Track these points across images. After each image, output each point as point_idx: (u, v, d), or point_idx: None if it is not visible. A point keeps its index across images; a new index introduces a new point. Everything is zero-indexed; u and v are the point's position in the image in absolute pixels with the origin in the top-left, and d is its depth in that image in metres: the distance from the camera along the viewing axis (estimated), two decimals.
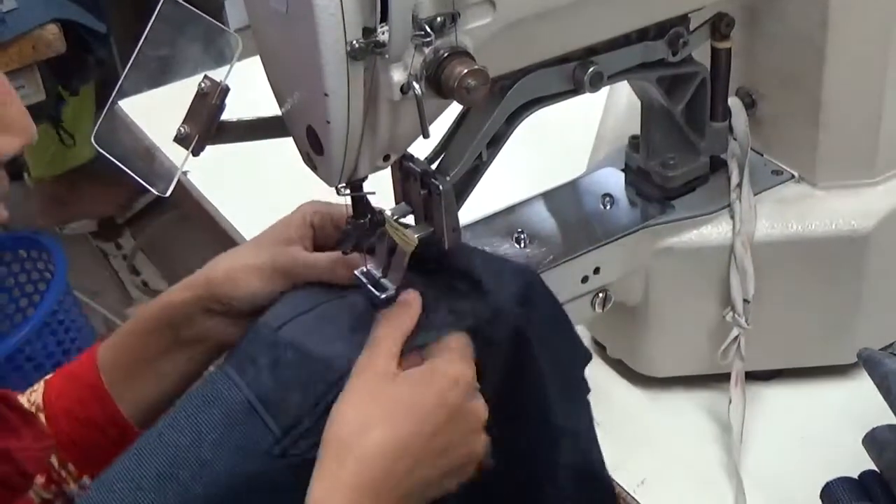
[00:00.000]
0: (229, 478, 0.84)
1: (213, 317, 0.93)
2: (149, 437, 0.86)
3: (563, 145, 1.24)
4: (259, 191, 1.45)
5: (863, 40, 0.99)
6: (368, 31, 0.79)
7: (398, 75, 0.81)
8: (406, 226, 0.93)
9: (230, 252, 0.96)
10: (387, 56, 0.79)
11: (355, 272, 0.94)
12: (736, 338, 1.01)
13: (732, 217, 1.01)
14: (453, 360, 0.83)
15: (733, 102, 1.05)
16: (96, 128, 0.94)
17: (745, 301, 1.01)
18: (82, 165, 3.01)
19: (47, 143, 2.86)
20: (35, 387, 0.95)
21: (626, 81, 1.02)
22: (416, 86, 0.81)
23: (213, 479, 0.84)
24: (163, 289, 2.95)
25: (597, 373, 1.14)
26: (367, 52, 0.79)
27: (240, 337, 0.91)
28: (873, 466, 0.90)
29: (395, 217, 0.94)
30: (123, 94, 0.93)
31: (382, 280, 0.94)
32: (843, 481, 0.90)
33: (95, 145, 0.94)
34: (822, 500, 0.90)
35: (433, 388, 0.81)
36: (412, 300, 0.88)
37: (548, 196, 1.07)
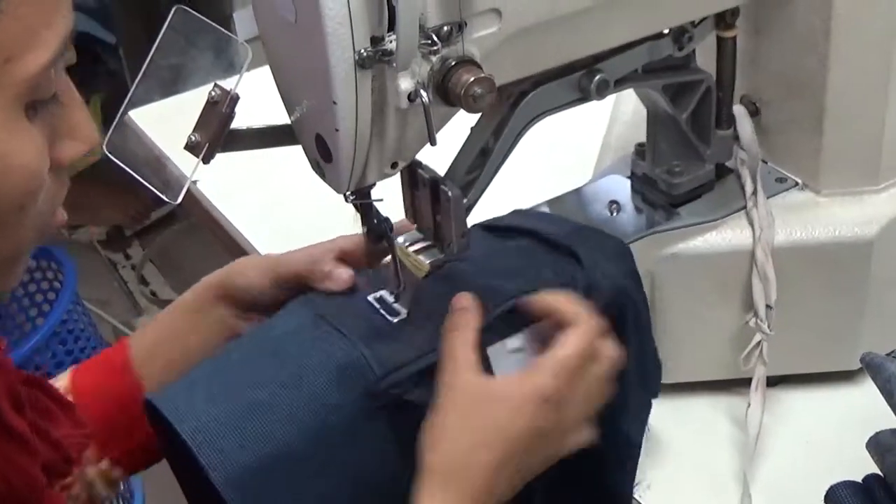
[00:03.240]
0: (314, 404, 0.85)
1: (227, 306, 0.98)
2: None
3: (568, 153, 1.25)
4: (268, 199, 1.46)
5: (866, 48, 0.99)
6: (376, 40, 0.80)
7: (405, 84, 0.82)
8: (418, 252, 0.93)
9: (247, 268, 1.01)
10: (394, 65, 0.80)
11: (368, 298, 0.95)
12: (759, 343, 1.02)
13: (751, 224, 1.02)
14: (541, 374, 0.82)
15: (737, 110, 1.06)
16: (108, 137, 0.95)
17: (768, 307, 1.01)
18: (92, 171, 3.02)
19: None
20: (59, 376, 0.98)
21: (631, 90, 1.03)
22: (424, 94, 0.82)
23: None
24: (171, 299, 2.97)
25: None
26: (375, 60, 0.80)
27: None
28: (877, 470, 0.91)
29: (406, 244, 0.94)
30: (134, 103, 0.94)
31: (395, 305, 0.94)
32: (847, 485, 0.90)
33: (108, 154, 0.95)
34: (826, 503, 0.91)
35: (524, 411, 0.81)
36: (467, 301, 0.87)
37: (555, 203, 1.08)
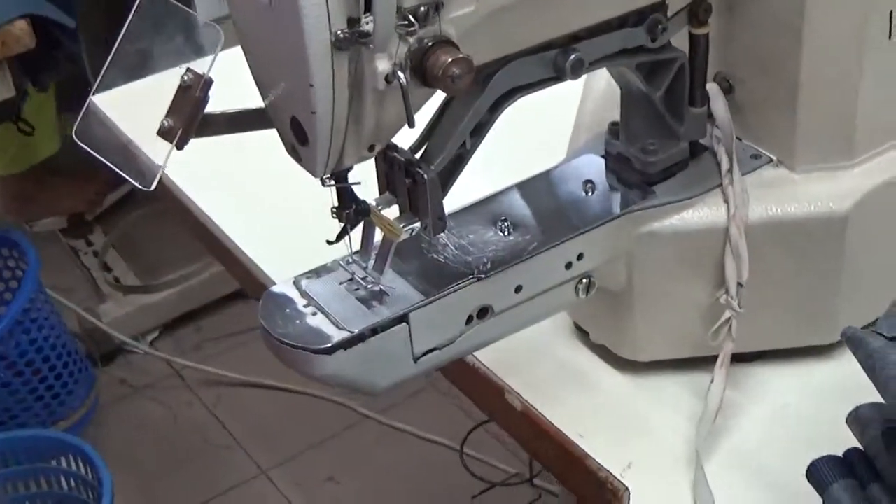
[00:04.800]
0: None
1: None
2: None
3: (539, 133, 1.24)
4: (237, 182, 1.45)
5: (839, 24, 1.00)
6: (353, 22, 0.79)
7: (383, 65, 0.81)
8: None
9: None
10: (371, 46, 0.80)
11: (340, 263, 0.95)
12: (728, 320, 1.02)
13: (727, 201, 1.02)
14: None
15: (711, 88, 1.06)
16: (77, 124, 0.94)
17: (739, 284, 1.01)
18: (48, 161, 3.00)
19: (9, 139, 2.85)
20: None
21: (604, 69, 1.03)
22: (402, 75, 0.81)
23: None
24: (135, 284, 2.96)
25: (580, 358, 1.15)
26: (352, 42, 0.79)
27: None
28: (854, 443, 0.91)
29: (380, 207, 0.94)
30: (104, 87, 0.93)
31: (370, 272, 0.94)
32: (828, 459, 0.91)
33: (78, 142, 0.94)
34: (808, 479, 0.91)
35: None
36: None
37: (529, 183, 1.08)
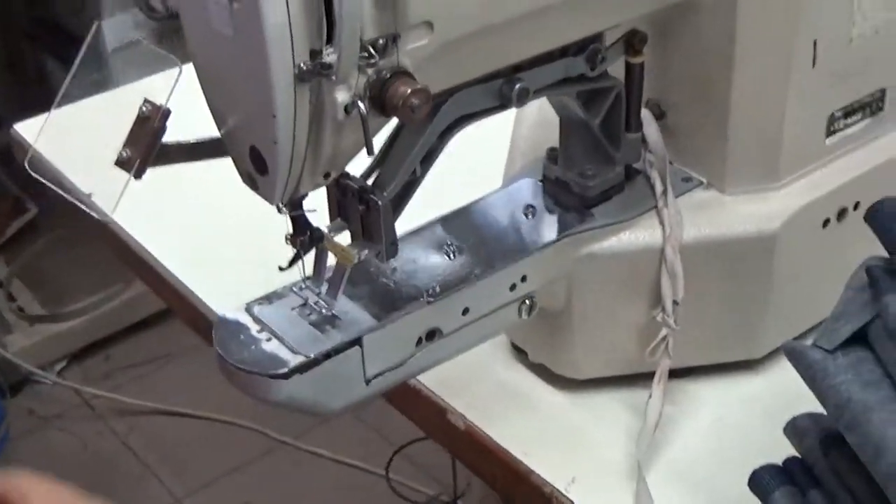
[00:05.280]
0: None
1: None
2: None
3: (471, 160, 1.27)
4: (164, 206, 1.45)
5: (768, 52, 1.04)
6: (315, 54, 0.81)
7: (342, 96, 0.84)
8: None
9: None
10: (333, 77, 0.82)
11: (293, 288, 0.97)
12: (665, 337, 1.06)
13: (662, 223, 1.06)
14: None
15: (644, 114, 1.10)
16: (29, 155, 0.95)
17: (675, 302, 1.05)
18: None
19: None
20: None
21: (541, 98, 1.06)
22: (361, 105, 0.84)
23: None
24: (40, 314, 2.92)
25: (519, 378, 1.19)
26: (315, 73, 0.81)
27: None
28: (787, 453, 0.95)
29: (332, 234, 0.96)
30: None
31: (323, 298, 0.96)
32: (769, 468, 0.94)
33: (30, 172, 0.94)
34: (750, 487, 0.95)
35: None
36: None
37: (471, 208, 1.10)
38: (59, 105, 0.93)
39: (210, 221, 1.40)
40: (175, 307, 1.39)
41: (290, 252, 0.97)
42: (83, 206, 0.93)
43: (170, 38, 2.48)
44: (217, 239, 1.38)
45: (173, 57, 0.89)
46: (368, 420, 2.57)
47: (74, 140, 1.36)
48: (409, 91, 0.83)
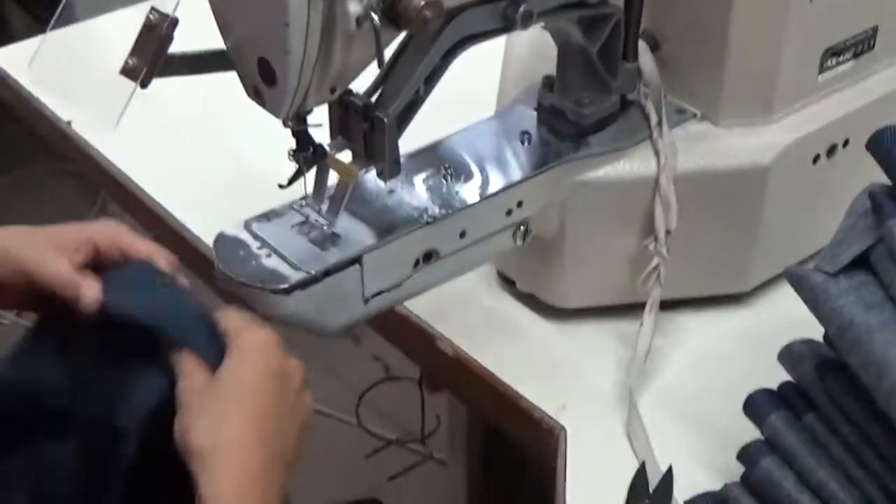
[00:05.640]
0: None
1: None
2: None
3: (464, 86, 1.27)
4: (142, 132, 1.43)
5: None
6: None
7: (355, 7, 0.83)
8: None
9: (11, 231, 0.89)
10: None
11: (294, 205, 0.96)
12: (656, 266, 1.07)
13: (656, 153, 1.06)
14: (247, 331, 0.84)
15: (640, 45, 1.10)
16: (32, 62, 0.93)
17: (668, 232, 1.06)
18: None
19: None
20: None
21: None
22: (374, 17, 0.83)
23: None
24: None
25: (507, 307, 1.19)
26: None
27: None
28: (769, 382, 0.97)
29: (333, 151, 0.96)
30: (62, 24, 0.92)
31: (325, 213, 0.96)
32: (763, 393, 0.96)
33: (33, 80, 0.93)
34: (745, 411, 0.96)
35: (251, 362, 0.82)
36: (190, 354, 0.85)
37: (467, 133, 1.11)
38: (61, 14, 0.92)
39: (199, 151, 1.38)
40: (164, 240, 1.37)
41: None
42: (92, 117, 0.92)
43: None
44: (204, 167, 1.36)
45: None
46: (330, 368, 2.56)
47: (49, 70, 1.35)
48: (422, 3, 0.83)
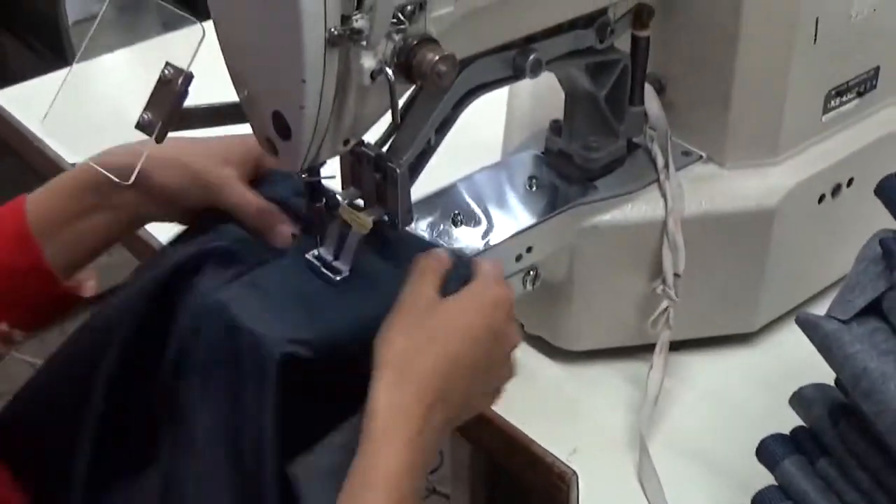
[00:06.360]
0: None
1: (137, 192, 0.95)
2: None
3: (472, 133, 1.28)
4: None
5: (772, 28, 1.06)
6: (345, 19, 0.81)
7: (369, 62, 0.84)
8: (359, 208, 0.95)
9: (175, 140, 0.94)
10: (363, 43, 0.82)
11: (307, 256, 0.96)
12: (665, 309, 1.07)
13: (664, 196, 1.07)
14: (492, 283, 0.88)
15: (646, 88, 1.11)
16: (46, 114, 0.94)
17: (676, 275, 1.07)
18: None
19: None
20: None
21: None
22: (389, 71, 0.84)
23: None
24: None
25: (516, 350, 1.19)
26: (345, 38, 0.81)
27: None
28: (779, 424, 0.97)
29: (346, 201, 0.96)
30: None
31: (335, 263, 0.96)
32: (777, 438, 0.96)
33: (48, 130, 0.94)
34: (758, 457, 0.96)
35: (478, 310, 0.86)
36: (441, 252, 0.91)
37: (475, 178, 1.11)
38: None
39: None
40: None
41: None
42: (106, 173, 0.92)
43: (129, 11, 2.44)
44: None
45: (198, 22, 0.89)
46: None
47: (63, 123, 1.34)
48: (437, 58, 0.84)
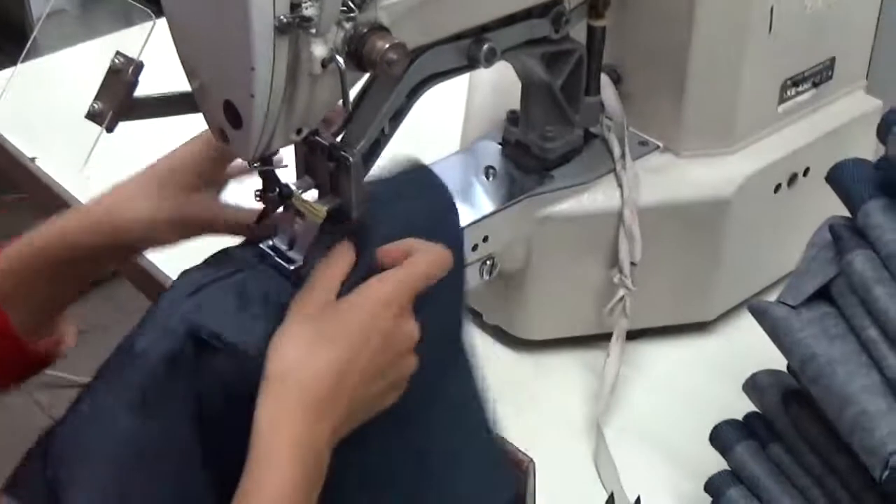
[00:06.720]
0: None
1: (115, 253, 0.96)
2: None
3: (429, 122, 1.28)
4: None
5: (726, 18, 1.06)
6: (294, 7, 0.81)
7: (320, 50, 0.84)
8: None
9: (132, 194, 0.94)
10: (313, 31, 0.82)
11: (261, 245, 0.96)
12: (622, 298, 1.08)
13: (620, 186, 1.07)
14: (385, 283, 0.85)
15: (602, 78, 1.12)
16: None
17: (632, 264, 1.07)
18: None
19: None
20: None
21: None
22: (339, 59, 0.84)
23: None
24: None
25: (474, 340, 1.19)
26: (294, 26, 0.81)
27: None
28: (734, 411, 0.98)
29: (300, 190, 0.96)
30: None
31: (290, 252, 0.96)
32: (730, 424, 0.97)
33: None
34: (712, 442, 0.97)
35: (365, 311, 0.83)
36: (346, 248, 0.90)
37: (434, 168, 1.11)
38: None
39: None
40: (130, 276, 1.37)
41: None
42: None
43: (92, 9, 2.44)
44: None
45: (146, 10, 0.88)
46: None
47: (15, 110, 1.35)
48: (386, 46, 0.84)
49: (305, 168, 0.97)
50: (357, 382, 0.82)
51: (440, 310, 0.92)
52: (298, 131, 0.90)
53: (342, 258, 0.89)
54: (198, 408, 0.84)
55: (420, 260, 0.87)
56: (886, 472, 0.80)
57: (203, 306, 0.87)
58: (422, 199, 0.96)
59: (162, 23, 0.88)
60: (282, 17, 0.80)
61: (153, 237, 0.95)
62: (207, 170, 0.97)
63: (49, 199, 1.43)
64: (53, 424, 0.87)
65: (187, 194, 0.95)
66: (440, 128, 1.24)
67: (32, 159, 1.43)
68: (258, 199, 0.95)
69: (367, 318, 0.83)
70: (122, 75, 0.88)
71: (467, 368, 0.99)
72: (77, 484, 0.85)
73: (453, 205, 0.96)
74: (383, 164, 0.98)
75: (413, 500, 0.93)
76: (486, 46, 0.97)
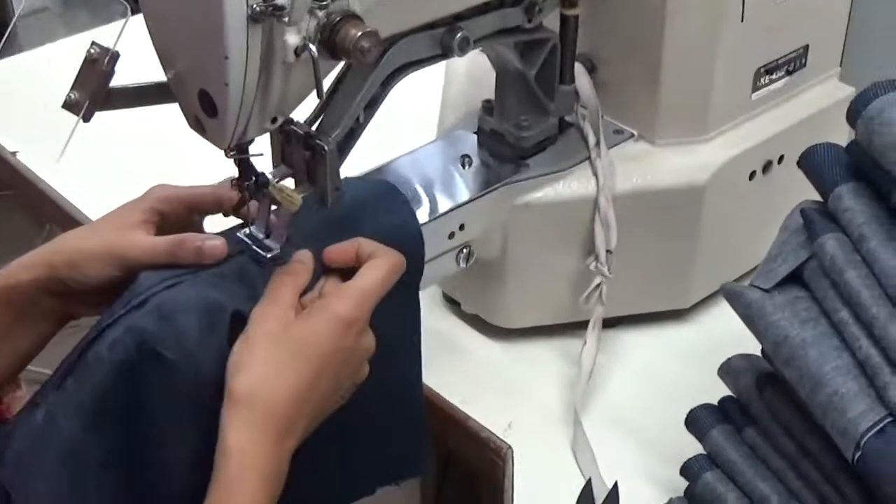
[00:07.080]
0: None
1: (57, 297, 0.92)
2: None
3: (407, 112, 1.28)
4: (98, 166, 1.43)
5: (699, 7, 1.07)
6: None
7: (293, 38, 0.84)
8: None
9: (73, 233, 0.94)
10: (286, 19, 0.82)
11: (238, 234, 0.97)
12: (598, 285, 1.08)
13: (595, 174, 1.08)
14: (344, 300, 0.87)
15: (577, 67, 1.12)
16: None
17: (608, 251, 1.08)
18: None
19: None
20: None
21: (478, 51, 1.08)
22: (312, 48, 0.84)
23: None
24: None
25: (453, 328, 1.21)
26: (267, 15, 0.82)
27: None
28: (711, 397, 0.99)
29: (276, 179, 0.97)
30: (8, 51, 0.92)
31: (266, 241, 0.97)
32: (705, 408, 0.98)
33: None
34: (687, 426, 0.98)
35: (329, 333, 0.85)
36: (306, 257, 0.91)
37: (408, 158, 1.12)
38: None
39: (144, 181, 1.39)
40: None
41: None
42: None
43: (72, 5, 2.44)
44: None
45: (124, 3, 0.89)
46: None
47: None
48: (359, 34, 0.84)
49: (282, 157, 0.98)
50: (320, 398, 0.85)
51: (393, 311, 0.93)
52: (273, 120, 0.91)
53: (301, 267, 0.90)
54: (147, 417, 0.85)
55: (376, 271, 0.89)
56: (858, 453, 0.81)
57: (158, 310, 0.87)
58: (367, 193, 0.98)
59: (138, 16, 0.88)
60: (255, 5, 0.81)
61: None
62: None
63: (32, 193, 1.43)
64: (10, 426, 0.88)
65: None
66: (416, 117, 1.24)
67: (14, 153, 1.43)
68: (234, 187, 0.95)
69: (329, 340, 0.85)
70: (97, 65, 0.88)
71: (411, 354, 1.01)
72: (30, 487, 0.86)
73: (402, 195, 0.98)
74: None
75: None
76: (459, 35, 0.98)
